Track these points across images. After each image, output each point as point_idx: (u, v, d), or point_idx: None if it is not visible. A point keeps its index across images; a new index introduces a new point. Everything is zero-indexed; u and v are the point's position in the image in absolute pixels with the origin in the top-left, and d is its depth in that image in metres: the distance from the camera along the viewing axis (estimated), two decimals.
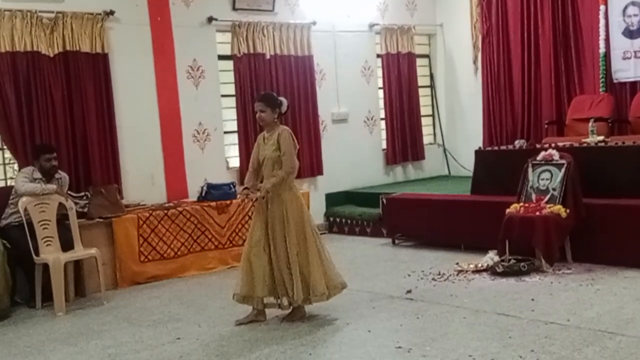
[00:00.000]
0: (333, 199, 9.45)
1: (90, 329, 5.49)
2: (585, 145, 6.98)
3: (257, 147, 5.39)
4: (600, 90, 8.47)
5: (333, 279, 5.30)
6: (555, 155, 6.58)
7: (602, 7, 8.41)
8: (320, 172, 9.27)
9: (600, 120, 7.66)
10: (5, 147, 7.00)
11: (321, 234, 8.85)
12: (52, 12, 7.10)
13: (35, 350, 5.03)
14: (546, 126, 8.75)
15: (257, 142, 5.44)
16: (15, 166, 6.96)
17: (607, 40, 8.41)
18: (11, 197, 6.40)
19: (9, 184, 6.96)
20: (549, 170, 6.53)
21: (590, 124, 7.24)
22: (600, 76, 8.46)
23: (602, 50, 8.44)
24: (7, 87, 6.82)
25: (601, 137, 7.13)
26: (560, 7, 8.88)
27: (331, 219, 9.36)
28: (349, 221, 9.07)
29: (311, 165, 9.15)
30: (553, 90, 8.99)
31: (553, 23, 8.95)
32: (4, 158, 7.12)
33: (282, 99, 5.43)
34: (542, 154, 6.67)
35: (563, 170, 6.42)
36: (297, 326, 5.10)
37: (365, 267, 7.01)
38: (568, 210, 6.20)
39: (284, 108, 5.38)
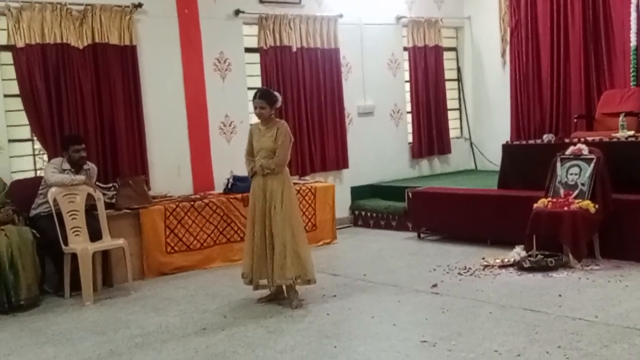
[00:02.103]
0: (358, 192, 9.44)
1: (118, 318, 5.56)
2: (615, 140, 6.88)
3: (251, 136, 5.74)
4: (631, 84, 8.34)
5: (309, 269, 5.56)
6: (585, 150, 6.50)
7: (633, 0, 8.27)
8: (345, 166, 9.26)
9: (630, 115, 7.53)
10: (35, 138, 7.09)
11: (346, 227, 9.04)
12: (82, 4, 7.17)
13: (64, 338, 5.10)
14: (575, 120, 8.64)
15: (250, 132, 5.80)
16: (45, 157, 7.04)
17: (638, 33, 8.26)
18: (41, 188, 6.49)
19: (38, 174, 7.05)
20: (578, 165, 6.46)
21: (620, 118, 7.13)
22: (631, 70, 8.33)
23: (633, 43, 8.30)
24: (37, 79, 6.90)
25: (631, 132, 7.01)
26: (590, 0, 8.76)
27: (356, 212, 9.35)
28: (374, 214, 9.06)
29: (337, 159, 9.14)
30: (582, 84, 8.87)
31: (583, 16, 8.83)
32: (33, 149, 7.20)
33: (277, 94, 5.73)
34: (571, 148, 6.60)
35: (592, 165, 6.35)
36: (322, 319, 5.11)
37: (390, 261, 7.00)
38: (597, 206, 6.13)
39: (279, 103, 5.74)
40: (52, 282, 6.51)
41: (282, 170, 5.58)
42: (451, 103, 10.56)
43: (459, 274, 6.18)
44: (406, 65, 9.98)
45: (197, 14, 8.04)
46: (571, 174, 6.46)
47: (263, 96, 5.63)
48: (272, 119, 5.64)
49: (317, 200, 8.15)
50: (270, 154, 5.53)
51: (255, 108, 5.65)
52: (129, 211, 6.89)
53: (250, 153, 5.72)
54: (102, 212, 6.48)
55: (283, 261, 5.41)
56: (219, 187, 7.91)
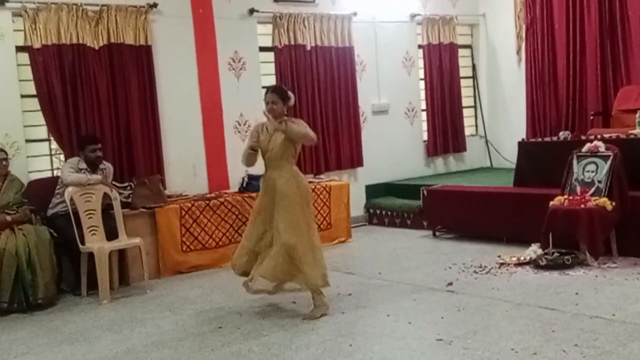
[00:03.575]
0: (373, 191, 9.42)
1: (134, 317, 5.59)
2: (632, 136, 6.82)
3: (257, 133, 5.44)
4: None
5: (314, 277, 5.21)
6: (601, 146, 6.45)
7: None
8: (360, 164, 9.25)
9: None
10: (51, 138, 7.14)
11: (361, 225, 9.03)
12: (97, 5, 7.22)
13: (81, 336, 5.14)
14: (591, 117, 8.58)
15: (255, 129, 5.51)
16: (62, 157, 7.09)
17: None
18: (57, 187, 6.54)
19: (55, 174, 7.10)
20: (595, 162, 6.41)
21: (637, 115, 7.06)
22: None
23: None
24: (54, 79, 6.95)
25: None
26: None
27: (371, 210, 9.34)
28: (389, 213, 9.04)
29: (351, 157, 9.14)
30: (599, 81, 8.80)
31: (599, 12, 8.76)
32: (50, 149, 7.26)
33: (290, 93, 5.48)
34: (588, 145, 6.55)
35: (609, 162, 6.30)
36: (337, 317, 5.10)
37: (406, 259, 6.99)
38: (614, 203, 6.08)
39: (291, 102, 5.47)
40: (69, 281, 6.56)
41: (308, 140, 5.38)
42: (466, 101, 10.52)
43: (475, 272, 6.16)
44: (421, 63, 9.95)
45: (212, 14, 8.07)
46: (588, 171, 6.42)
47: (276, 90, 5.43)
48: (283, 116, 5.34)
49: (332, 198, 8.15)
50: (282, 152, 5.28)
51: (267, 103, 5.37)
52: (145, 210, 6.93)
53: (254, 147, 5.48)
54: (118, 212, 6.53)
55: (277, 264, 5.17)
56: (234, 186, 7.93)
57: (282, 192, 5.25)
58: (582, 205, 6.13)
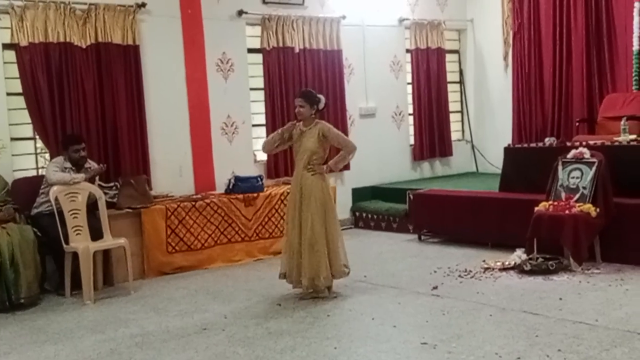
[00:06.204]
0: (359, 194, 9.43)
1: (118, 317, 5.56)
2: (617, 143, 6.89)
3: (290, 131, 5.81)
4: (633, 88, 8.34)
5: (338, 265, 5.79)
6: (586, 153, 6.51)
7: (636, 5, 8.28)
8: (347, 167, 9.17)
9: (632, 119, 7.53)
10: (37, 136, 7.09)
11: (347, 228, 9.03)
12: (85, 3, 7.18)
13: (64, 337, 5.11)
14: (577, 124, 8.65)
15: (290, 126, 5.86)
16: (47, 156, 7.04)
17: None
18: (42, 186, 6.50)
19: (40, 173, 7.05)
20: (580, 169, 6.46)
21: (622, 122, 7.14)
22: (633, 74, 8.33)
23: (635, 47, 8.30)
24: (40, 78, 6.90)
25: (633, 136, 7.02)
26: (593, 4, 8.76)
27: (357, 213, 9.35)
28: (375, 216, 9.06)
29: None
30: (584, 88, 8.88)
31: (586, 19, 8.83)
32: (35, 147, 7.20)
33: (320, 96, 5.84)
34: (573, 152, 6.61)
35: (594, 168, 6.35)
36: (322, 320, 5.11)
37: (391, 263, 7.00)
38: (598, 210, 6.14)
39: (321, 105, 5.83)
40: (52, 280, 6.52)
41: (351, 158, 5.92)
42: (453, 105, 10.56)
43: (460, 276, 6.18)
44: (408, 67, 9.98)
45: (200, 15, 8.05)
46: (573, 178, 6.47)
47: (302, 95, 5.81)
48: (312, 119, 5.74)
49: None
50: (312, 155, 5.64)
51: (295, 107, 5.78)
52: (130, 210, 6.90)
53: (279, 138, 5.91)
54: (103, 211, 6.49)
55: (316, 262, 5.58)
56: (221, 188, 7.90)
57: (308, 192, 5.62)
58: (567, 211, 6.18)
